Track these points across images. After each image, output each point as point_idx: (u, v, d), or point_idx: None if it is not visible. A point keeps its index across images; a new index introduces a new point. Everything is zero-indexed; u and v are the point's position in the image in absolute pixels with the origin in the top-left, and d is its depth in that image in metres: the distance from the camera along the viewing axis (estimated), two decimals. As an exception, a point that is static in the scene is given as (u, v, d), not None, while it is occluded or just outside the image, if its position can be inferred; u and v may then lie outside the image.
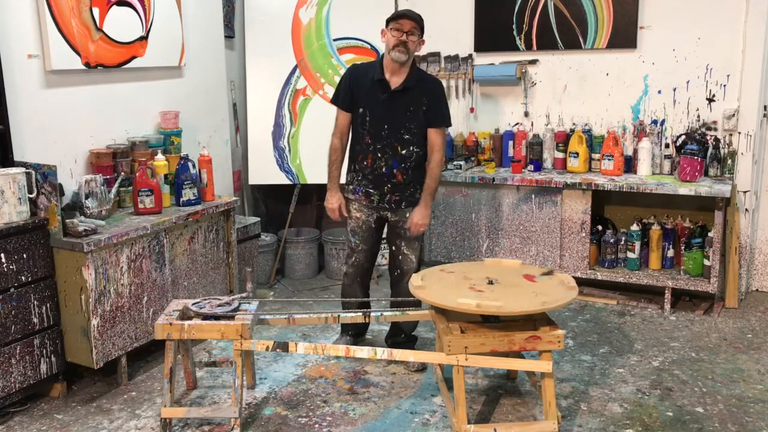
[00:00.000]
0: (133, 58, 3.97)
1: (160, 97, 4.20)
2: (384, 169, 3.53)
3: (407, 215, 3.57)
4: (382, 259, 4.83)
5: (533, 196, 4.57)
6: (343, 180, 3.73)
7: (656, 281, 4.40)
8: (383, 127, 3.50)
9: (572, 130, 4.79)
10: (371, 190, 3.58)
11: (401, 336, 3.78)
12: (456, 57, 5.12)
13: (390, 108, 3.49)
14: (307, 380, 3.55)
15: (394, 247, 3.67)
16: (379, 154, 3.53)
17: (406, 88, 3.47)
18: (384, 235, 3.83)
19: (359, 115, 3.54)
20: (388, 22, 3.46)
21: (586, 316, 4.35)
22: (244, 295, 3.29)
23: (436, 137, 3.52)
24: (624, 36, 4.60)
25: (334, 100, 3.64)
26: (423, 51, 5.16)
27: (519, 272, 3.31)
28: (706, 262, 4.27)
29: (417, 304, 3.54)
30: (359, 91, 3.53)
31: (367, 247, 3.69)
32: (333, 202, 3.65)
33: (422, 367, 3.62)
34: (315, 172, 5.00)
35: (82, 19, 3.63)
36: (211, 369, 3.65)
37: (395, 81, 3.48)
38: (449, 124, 3.60)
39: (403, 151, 3.52)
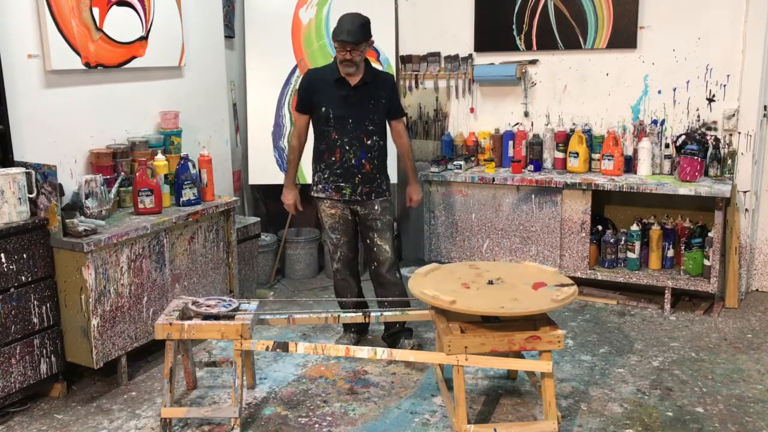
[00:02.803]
0: (133, 58, 3.97)
1: (160, 97, 4.20)
2: (353, 161, 3.68)
3: (375, 207, 3.73)
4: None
5: (533, 196, 4.57)
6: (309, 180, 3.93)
7: (656, 281, 4.40)
8: (348, 121, 3.66)
9: (572, 130, 4.79)
10: (342, 184, 3.71)
11: (395, 326, 3.83)
12: (456, 57, 5.12)
13: (352, 103, 3.66)
14: (307, 380, 3.55)
15: (368, 240, 3.78)
16: (347, 147, 3.67)
17: (366, 83, 3.67)
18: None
19: (322, 115, 3.68)
20: (332, 38, 3.65)
21: (586, 316, 4.35)
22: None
23: (399, 125, 3.84)
24: (624, 36, 4.60)
25: (296, 106, 3.82)
26: (423, 51, 5.19)
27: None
28: (706, 262, 4.27)
29: (406, 303, 3.67)
30: (319, 93, 3.69)
31: (348, 238, 3.82)
32: (290, 198, 3.90)
33: (418, 345, 3.81)
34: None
35: (82, 19, 3.63)
36: (211, 369, 3.65)
37: (353, 78, 3.66)
38: (405, 114, 4.11)
39: (369, 142, 3.69)
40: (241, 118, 5.20)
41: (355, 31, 3.53)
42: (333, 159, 3.69)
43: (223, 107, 4.74)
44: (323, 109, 3.67)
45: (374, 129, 3.69)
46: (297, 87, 5.01)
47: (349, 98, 3.65)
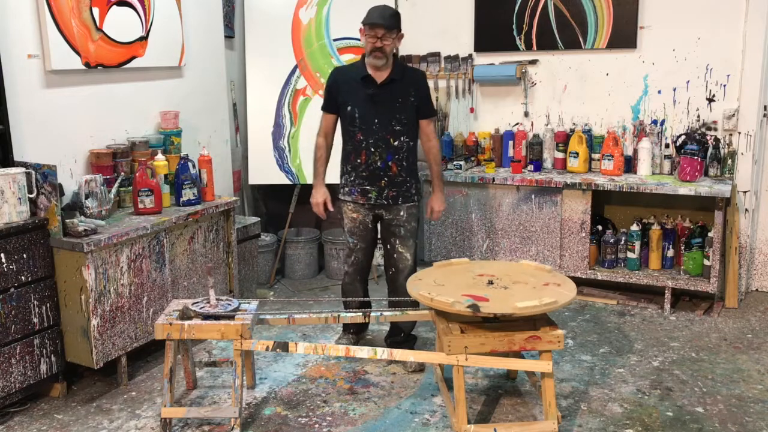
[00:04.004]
0: (133, 58, 3.97)
1: (160, 97, 4.20)
2: (379, 163, 3.57)
3: (401, 212, 3.63)
4: (381, 259, 4.82)
5: (533, 196, 4.57)
6: (334, 180, 3.77)
7: (656, 281, 4.40)
8: (374, 121, 3.54)
9: (572, 130, 4.80)
10: (368, 187, 3.60)
11: (400, 335, 3.78)
12: (456, 57, 5.12)
13: (379, 102, 3.54)
14: (307, 380, 3.55)
15: (388, 246, 3.69)
16: (373, 149, 3.56)
17: (393, 80, 3.55)
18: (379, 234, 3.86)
19: (348, 114, 3.57)
20: (363, 23, 3.52)
21: (586, 316, 4.35)
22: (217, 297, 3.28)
23: (428, 126, 3.68)
24: (624, 36, 4.60)
25: (322, 106, 3.72)
26: (423, 51, 5.19)
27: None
28: (706, 262, 4.27)
29: (415, 303, 3.55)
30: (345, 91, 3.58)
31: (365, 245, 3.72)
32: (318, 196, 3.71)
33: (420, 368, 3.63)
34: (315, 172, 5.01)
35: (82, 19, 3.63)
36: (211, 369, 3.65)
37: (380, 76, 3.55)
38: (436, 113, 3.85)
39: (396, 143, 3.56)
40: (241, 118, 5.20)
41: (387, 17, 3.46)
42: (359, 161, 3.58)
43: (223, 107, 4.74)
44: (348, 108, 3.56)
45: (402, 129, 3.56)
46: (296, 87, 5.04)
47: (375, 97, 3.53)
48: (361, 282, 3.82)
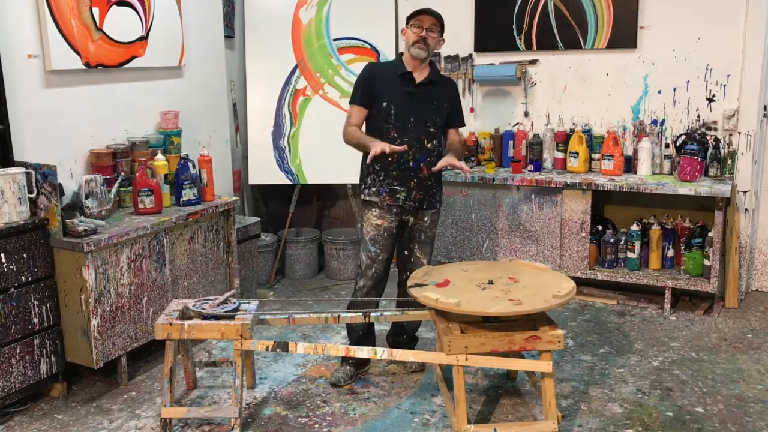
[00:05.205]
0: (133, 58, 3.97)
1: (160, 97, 4.20)
2: (411, 163, 3.46)
3: (425, 218, 3.55)
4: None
5: (533, 196, 4.57)
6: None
7: (656, 281, 4.40)
8: (410, 119, 3.44)
9: (572, 130, 4.80)
10: (397, 188, 3.46)
11: (403, 336, 3.76)
12: (456, 57, 5.12)
13: (416, 100, 3.45)
14: (307, 380, 3.55)
15: (406, 251, 3.60)
16: (407, 148, 3.45)
17: (432, 82, 3.48)
18: None
19: (382, 110, 3.44)
20: (408, 19, 3.47)
21: (586, 316, 4.35)
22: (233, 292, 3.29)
23: (456, 135, 3.64)
24: (624, 36, 4.61)
25: (353, 99, 3.53)
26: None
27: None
28: (706, 262, 4.27)
29: (422, 306, 3.53)
30: (381, 86, 3.46)
31: (387, 255, 3.55)
32: (378, 145, 3.30)
33: (420, 368, 3.62)
34: (315, 172, 5.01)
35: (82, 19, 3.63)
36: (211, 369, 3.65)
37: (419, 75, 3.47)
38: (465, 124, 3.76)
39: (429, 145, 3.48)
40: (241, 118, 5.20)
41: (435, 11, 3.41)
42: (390, 159, 3.40)
43: (223, 107, 4.74)
44: (384, 103, 3.42)
45: (435, 132, 3.47)
46: (296, 87, 5.04)
47: (413, 95, 3.42)
48: (377, 294, 3.57)
